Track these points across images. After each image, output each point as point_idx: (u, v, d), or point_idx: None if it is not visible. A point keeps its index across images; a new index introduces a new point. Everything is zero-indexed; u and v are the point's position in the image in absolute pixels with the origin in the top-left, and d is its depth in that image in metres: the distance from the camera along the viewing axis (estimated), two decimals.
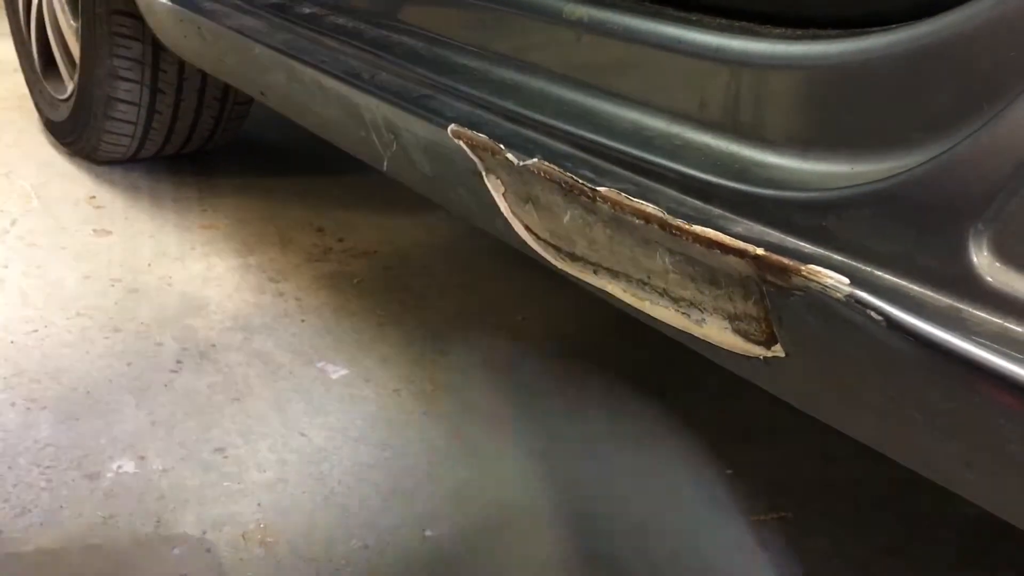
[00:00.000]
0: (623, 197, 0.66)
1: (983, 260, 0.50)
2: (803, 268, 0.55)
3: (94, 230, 1.74)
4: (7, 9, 2.20)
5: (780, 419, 1.23)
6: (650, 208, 0.64)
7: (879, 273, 0.54)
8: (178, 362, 1.32)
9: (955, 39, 0.53)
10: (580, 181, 0.69)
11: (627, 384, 1.34)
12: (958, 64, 0.52)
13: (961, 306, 0.50)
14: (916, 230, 0.52)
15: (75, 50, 1.89)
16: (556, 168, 0.72)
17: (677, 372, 1.36)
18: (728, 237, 0.59)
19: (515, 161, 0.75)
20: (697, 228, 0.61)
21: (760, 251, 0.57)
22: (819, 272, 0.54)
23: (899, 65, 0.56)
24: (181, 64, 1.77)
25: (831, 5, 0.66)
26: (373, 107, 0.94)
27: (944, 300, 0.51)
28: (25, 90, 2.19)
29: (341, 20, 1.10)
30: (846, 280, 0.53)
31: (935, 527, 1.08)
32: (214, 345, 1.37)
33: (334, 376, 1.31)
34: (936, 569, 1.03)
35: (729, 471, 1.15)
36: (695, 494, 1.11)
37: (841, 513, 1.09)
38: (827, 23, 0.65)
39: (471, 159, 0.81)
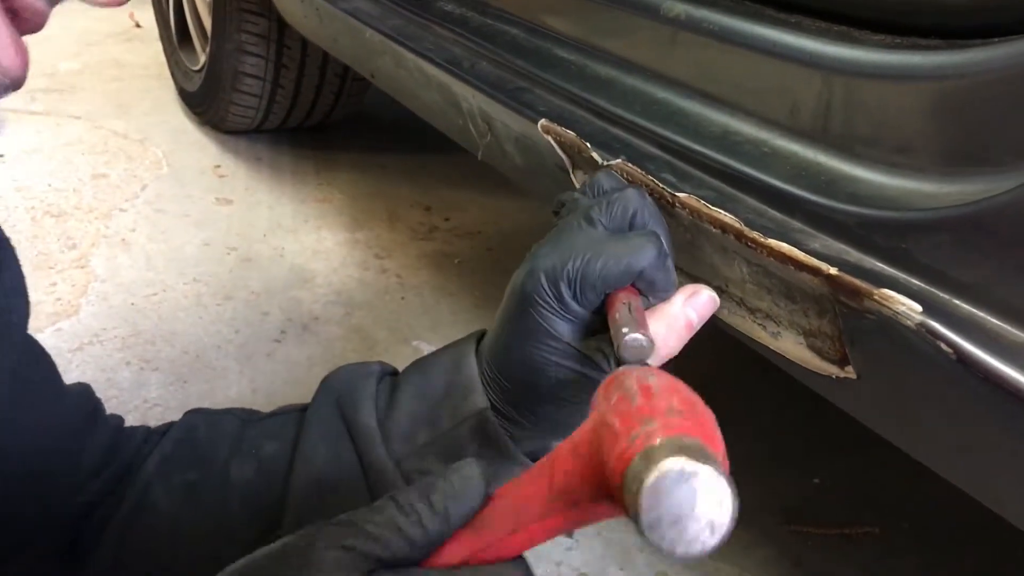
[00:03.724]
0: (701, 204, 0.65)
1: None
2: (875, 292, 0.53)
3: (216, 199, 1.82)
4: None
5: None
6: (727, 217, 0.63)
7: (956, 302, 0.52)
8: (282, 332, 1.38)
9: None
10: (660, 185, 0.68)
11: (716, 386, 1.32)
12: None
13: None
14: (997, 260, 0.50)
15: (207, 24, 1.97)
16: (638, 170, 0.71)
17: (769, 374, 1.33)
18: (802, 253, 0.58)
19: (600, 160, 0.75)
20: (772, 242, 0.60)
21: (834, 271, 0.56)
22: (891, 297, 0.52)
23: (996, 82, 0.53)
24: (304, 41, 1.82)
25: (935, 14, 0.63)
26: (470, 97, 0.95)
27: (1021, 336, 0.48)
28: (164, 59, 2.30)
29: (449, 7, 1.12)
30: (918, 307, 0.51)
31: None
32: (316, 318, 1.42)
33: None
34: None
35: (816, 480, 1.12)
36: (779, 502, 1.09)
37: (931, 532, 1.05)
38: (929, 32, 0.62)
39: (559, 155, 0.81)
